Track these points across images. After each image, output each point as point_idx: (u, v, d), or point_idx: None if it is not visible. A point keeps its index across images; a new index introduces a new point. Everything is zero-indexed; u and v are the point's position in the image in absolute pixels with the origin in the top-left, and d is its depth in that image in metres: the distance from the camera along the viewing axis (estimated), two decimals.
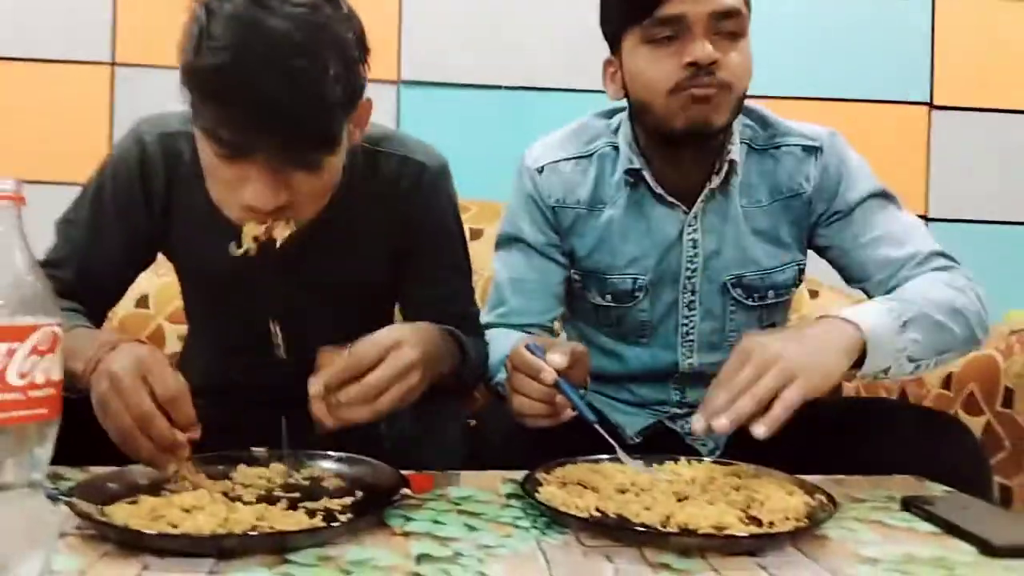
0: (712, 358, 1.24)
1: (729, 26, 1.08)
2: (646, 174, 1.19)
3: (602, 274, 1.24)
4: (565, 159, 1.24)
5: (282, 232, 0.94)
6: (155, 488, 0.83)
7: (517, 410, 0.96)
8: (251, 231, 0.94)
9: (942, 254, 1.16)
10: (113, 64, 2.01)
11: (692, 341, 1.25)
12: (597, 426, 0.94)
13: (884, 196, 1.21)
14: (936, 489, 0.98)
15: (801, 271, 1.26)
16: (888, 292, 1.13)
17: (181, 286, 1.25)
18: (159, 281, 1.70)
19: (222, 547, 0.69)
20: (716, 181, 1.18)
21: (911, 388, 1.55)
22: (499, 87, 2.10)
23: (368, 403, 0.87)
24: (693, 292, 1.23)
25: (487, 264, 1.82)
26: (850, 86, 2.06)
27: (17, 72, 2.00)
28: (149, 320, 1.73)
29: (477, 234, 1.86)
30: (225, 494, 0.82)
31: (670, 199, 1.19)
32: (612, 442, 0.95)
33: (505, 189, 1.96)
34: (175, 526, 0.71)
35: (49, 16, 1.99)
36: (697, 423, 0.90)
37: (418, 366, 0.90)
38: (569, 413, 0.94)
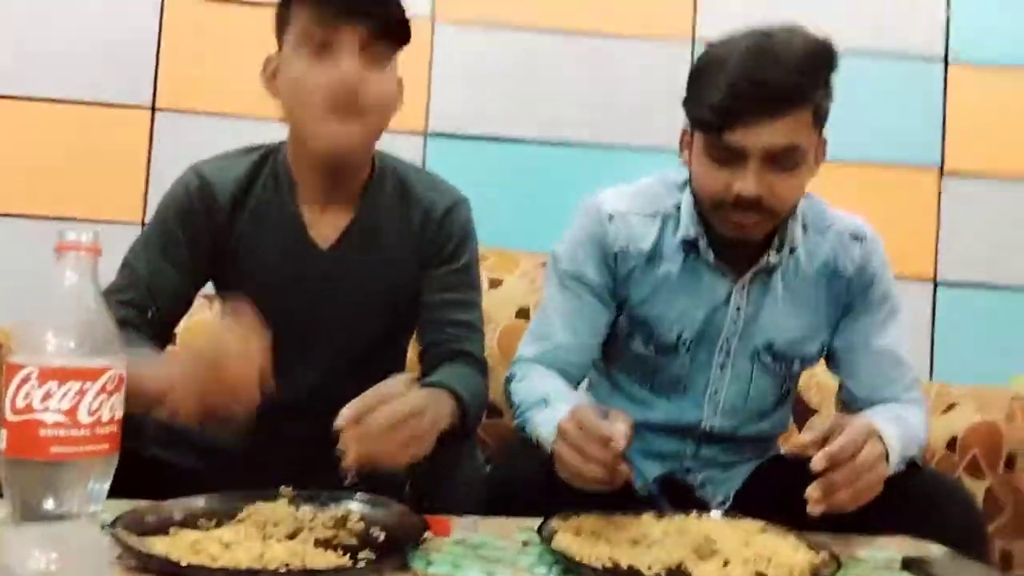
0: (731, 422, 1.31)
1: (786, 161, 1.12)
2: (701, 244, 1.24)
3: (651, 324, 1.28)
4: (634, 213, 1.29)
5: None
6: (189, 522, 0.87)
7: (576, 471, 0.97)
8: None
9: (918, 381, 1.30)
10: (153, 109, 2.10)
11: (718, 402, 1.30)
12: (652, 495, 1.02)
13: (896, 306, 1.29)
14: (934, 550, 1.01)
15: (824, 347, 1.31)
16: (867, 398, 1.26)
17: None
18: (188, 320, 1.75)
19: None
20: (773, 258, 1.24)
21: None
22: (522, 141, 2.17)
23: (391, 434, 0.93)
24: (728, 354, 1.28)
25: (503, 312, 1.88)
26: (862, 148, 2.12)
27: (59, 114, 2.08)
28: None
29: (496, 283, 1.90)
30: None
31: (722, 269, 1.25)
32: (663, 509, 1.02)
33: (522, 240, 2.04)
34: (214, 559, 0.75)
35: (93, 60, 2.08)
36: (816, 494, 0.95)
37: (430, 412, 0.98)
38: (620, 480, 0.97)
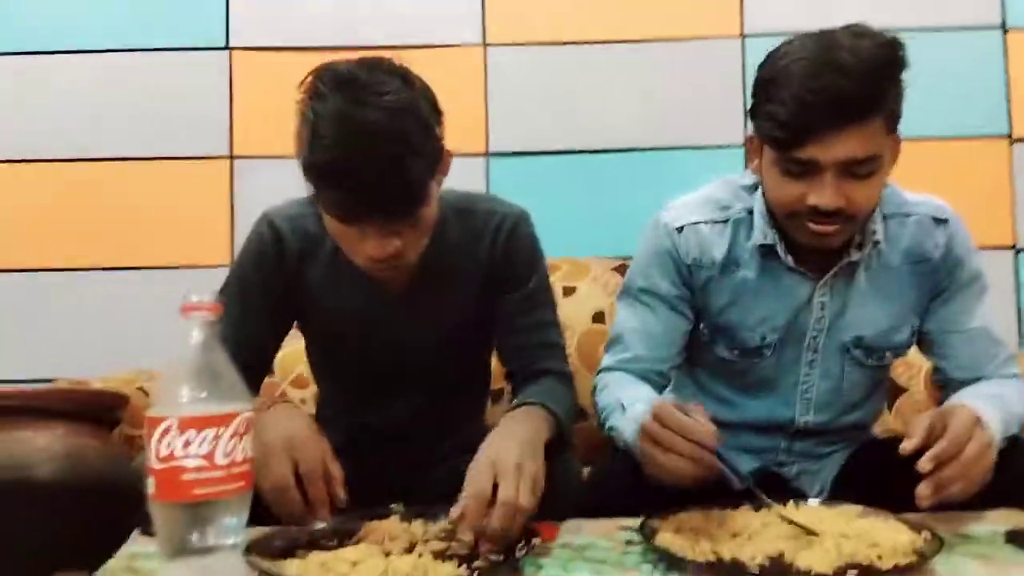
0: (825, 416, 1.30)
1: (861, 170, 1.10)
2: (779, 249, 1.22)
3: (733, 330, 1.28)
4: (703, 222, 1.27)
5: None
6: (313, 543, 0.94)
7: (664, 468, 0.99)
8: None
9: (1015, 357, 1.28)
10: (232, 158, 2.21)
11: (809, 399, 1.29)
12: (752, 487, 1.04)
13: (985, 283, 1.27)
14: None
15: (914, 333, 1.30)
16: (964, 379, 1.24)
17: (310, 348, 1.41)
18: (282, 350, 1.84)
19: None
20: (856, 255, 1.21)
21: None
22: (580, 152, 2.20)
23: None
24: (815, 351, 1.27)
25: (579, 318, 1.92)
26: (929, 125, 2.08)
27: (145, 170, 2.21)
28: (275, 387, 1.87)
29: (569, 291, 1.94)
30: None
31: (802, 269, 1.23)
32: (760, 496, 1.03)
33: (591, 247, 2.07)
34: None
35: (171, 118, 2.21)
36: (926, 492, 0.95)
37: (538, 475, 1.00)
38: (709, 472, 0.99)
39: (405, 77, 1.08)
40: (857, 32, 1.09)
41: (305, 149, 1.05)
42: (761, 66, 1.15)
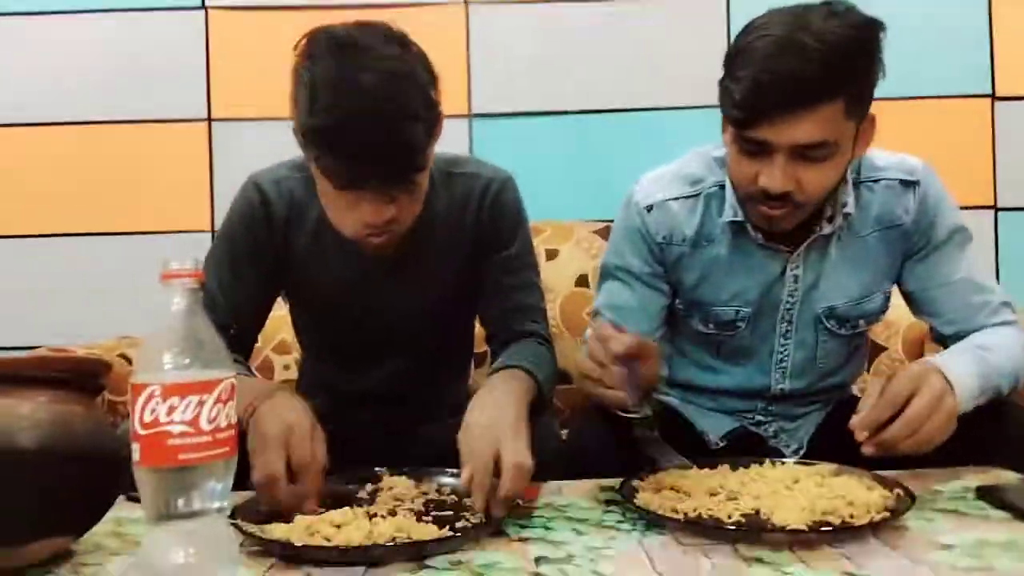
0: (801, 383, 1.32)
1: (814, 154, 1.08)
2: (748, 226, 1.22)
3: (706, 305, 1.29)
4: (673, 198, 1.27)
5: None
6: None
7: (581, 369, 1.07)
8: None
9: (1008, 304, 1.24)
10: (210, 120, 2.19)
11: (785, 367, 1.30)
12: (629, 414, 1.04)
13: (965, 234, 1.25)
14: (1009, 477, 1.03)
15: (887, 298, 1.30)
16: (956, 333, 1.22)
17: (296, 313, 1.41)
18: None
19: (370, 556, 0.81)
20: (827, 229, 1.21)
21: None
22: (564, 113, 2.19)
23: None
24: (789, 323, 1.28)
25: (562, 282, 1.92)
26: (911, 84, 2.09)
27: (122, 133, 2.19)
28: (258, 352, 1.88)
29: (552, 254, 1.95)
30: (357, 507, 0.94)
31: (773, 245, 1.23)
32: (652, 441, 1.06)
33: (575, 210, 2.07)
34: (329, 540, 0.83)
35: (148, 81, 2.18)
36: (868, 452, 0.99)
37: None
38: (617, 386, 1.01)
39: (402, 41, 1.07)
40: (832, 11, 1.06)
41: (303, 113, 1.04)
42: (735, 40, 1.13)
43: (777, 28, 1.06)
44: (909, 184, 1.23)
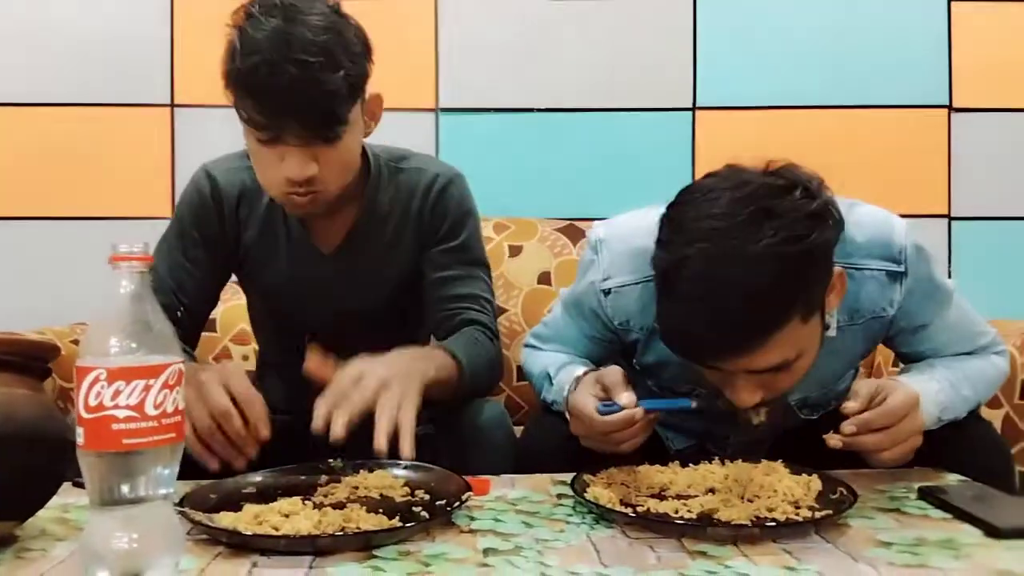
0: (766, 430, 1.25)
1: (779, 369, 0.97)
2: None
3: (662, 380, 1.23)
4: (632, 283, 1.16)
5: None
6: (251, 496, 0.95)
7: (612, 451, 1.03)
8: None
9: (995, 337, 1.22)
10: (172, 106, 2.16)
11: (749, 430, 1.21)
12: (693, 403, 1.04)
13: (948, 294, 1.17)
14: (952, 479, 1.06)
15: (857, 373, 1.28)
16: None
17: (249, 300, 1.42)
18: (223, 307, 1.83)
19: (318, 546, 0.80)
20: None
21: None
22: (532, 110, 2.19)
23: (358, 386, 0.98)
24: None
25: (524, 278, 1.93)
26: (869, 93, 2.12)
27: (84, 116, 2.15)
28: (216, 342, 1.86)
29: (516, 251, 1.95)
30: (307, 499, 0.94)
31: None
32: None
33: (539, 207, 2.08)
34: (277, 529, 0.82)
35: (111, 64, 2.14)
36: (834, 443, 0.99)
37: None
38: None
39: (336, 9, 1.12)
40: (771, 208, 0.91)
41: (230, 58, 1.08)
42: (669, 219, 0.98)
43: (708, 244, 0.91)
44: (896, 276, 1.11)
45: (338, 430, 0.93)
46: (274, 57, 1.04)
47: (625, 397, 0.99)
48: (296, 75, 1.04)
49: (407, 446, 0.94)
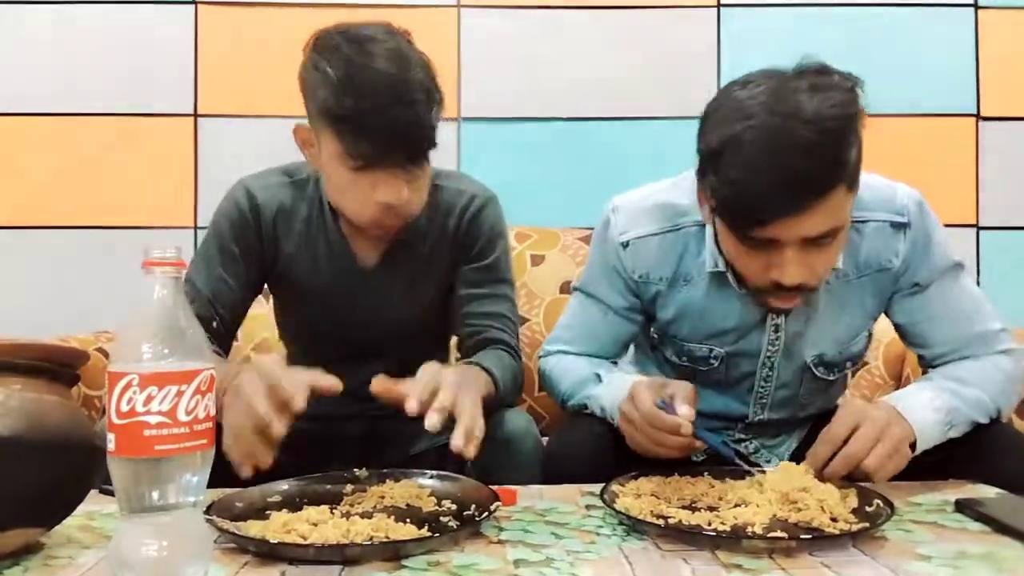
0: (781, 414, 1.31)
1: (824, 240, 1.02)
2: (730, 277, 1.17)
3: (679, 341, 1.27)
4: (651, 234, 1.22)
5: None
6: (276, 505, 0.95)
7: (642, 448, 1.06)
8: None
9: (1005, 330, 1.20)
10: (196, 116, 2.17)
11: (765, 402, 1.29)
12: (737, 461, 1.06)
13: (958, 267, 1.20)
14: (988, 491, 1.04)
15: (871, 336, 1.29)
16: (943, 364, 1.20)
17: (282, 311, 1.43)
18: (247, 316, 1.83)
19: (346, 555, 0.79)
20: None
21: None
22: (553, 119, 2.19)
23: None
24: (771, 368, 1.25)
25: (547, 287, 1.92)
26: (897, 101, 2.11)
27: (107, 125, 2.17)
28: (239, 351, 1.86)
29: (538, 260, 1.95)
30: (334, 508, 0.93)
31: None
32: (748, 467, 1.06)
33: (561, 216, 2.07)
34: (304, 538, 0.81)
35: (135, 74, 2.16)
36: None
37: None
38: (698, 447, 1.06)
39: (402, 34, 1.16)
40: (813, 85, 0.98)
41: (326, 101, 1.09)
42: (708, 117, 1.04)
43: (763, 114, 0.97)
44: (899, 226, 1.17)
45: (435, 421, 0.96)
46: (388, 102, 1.07)
47: (685, 409, 1.02)
48: (409, 117, 1.08)
49: (472, 448, 0.96)
